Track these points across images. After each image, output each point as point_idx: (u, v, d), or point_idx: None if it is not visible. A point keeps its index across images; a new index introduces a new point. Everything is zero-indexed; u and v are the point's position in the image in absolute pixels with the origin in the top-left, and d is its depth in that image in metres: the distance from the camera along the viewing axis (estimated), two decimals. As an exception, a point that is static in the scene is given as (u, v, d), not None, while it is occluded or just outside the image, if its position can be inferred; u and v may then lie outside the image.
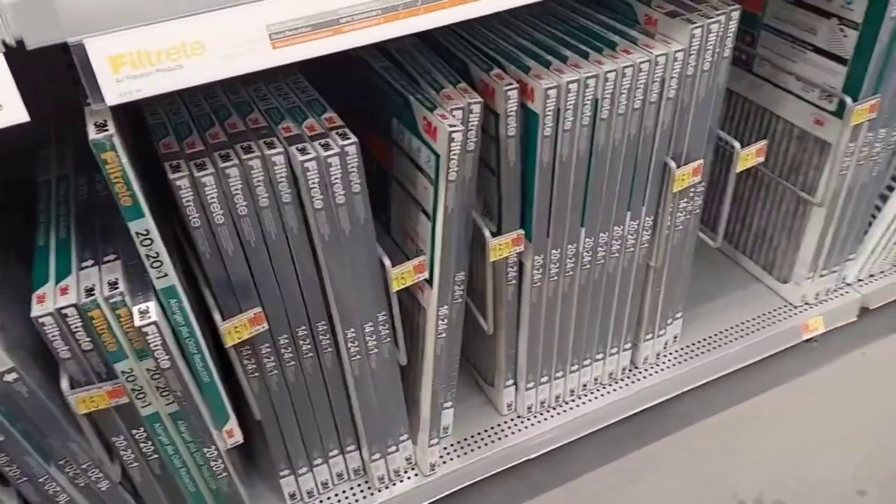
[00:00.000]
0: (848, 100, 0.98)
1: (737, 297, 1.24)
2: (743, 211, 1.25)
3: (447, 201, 0.78)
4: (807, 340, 1.21)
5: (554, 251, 0.92)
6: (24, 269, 0.73)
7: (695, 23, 0.82)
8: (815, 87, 1.04)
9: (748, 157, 0.95)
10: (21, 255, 0.78)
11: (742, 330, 1.19)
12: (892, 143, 1.08)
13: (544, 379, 1.04)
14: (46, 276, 0.71)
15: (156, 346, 0.72)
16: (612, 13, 0.91)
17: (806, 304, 1.22)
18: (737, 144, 0.94)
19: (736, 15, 0.85)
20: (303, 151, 0.70)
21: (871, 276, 1.26)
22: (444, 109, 0.76)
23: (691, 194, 0.98)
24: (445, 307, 0.86)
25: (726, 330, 1.19)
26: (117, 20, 0.54)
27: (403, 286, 0.82)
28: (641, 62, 0.81)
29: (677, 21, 0.83)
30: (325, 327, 0.83)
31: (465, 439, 1.05)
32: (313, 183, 0.71)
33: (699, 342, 1.17)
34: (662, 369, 1.13)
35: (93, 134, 0.60)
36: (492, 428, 1.06)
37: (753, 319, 1.20)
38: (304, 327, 0.82)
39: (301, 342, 0.82)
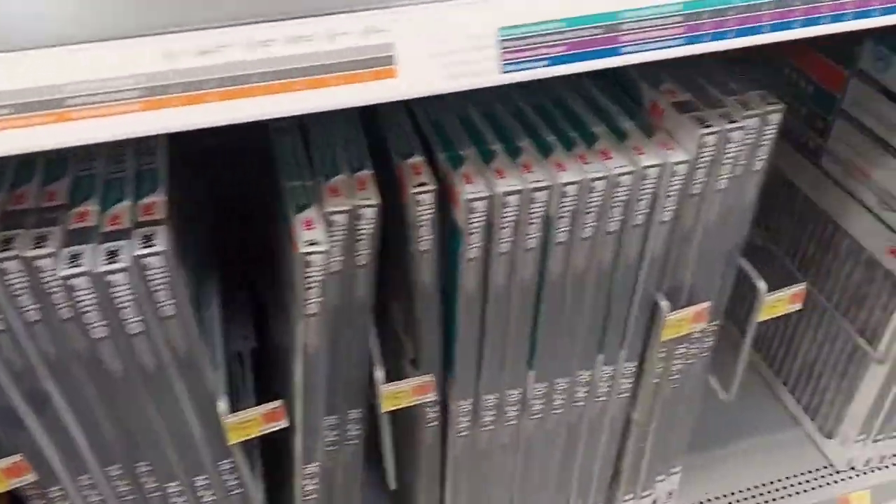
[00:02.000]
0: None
1: (765, 443, 0.97)
2: (790, 332, 0.97)
3: (307, 338, 0.55)
4: (846, 518, 0.93)
5: (488, 396, 0.68)
6: None
7: (710, 125, 0.57)
8: (894, 206, 0.76)
9: (778, 303, 0.68)
10: None
11: (762, 493, 0.92)
12: None
13: (476, 537, 0.80)
14: None
15: None
16: (612, 93, 0.65)
17: (852, 469, 0.94)
18: (762, 286, 0.67)
19: (776, 119, 0.59)
20: (72, 261, 0.48)
21: (945, 441, 0.97)
22: (317, 211, 0.53)
23: (699, 336, 0.72)
24: (315, 464, 0.64)
25: (741, 491, 0.92)
26: None
27: (245, 437, 0.59)
28: (620, 174, 0.56)
29: (687, 119, 0.58)
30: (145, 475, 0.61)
31: None
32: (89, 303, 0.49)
33: (703, 503, 0.91)
34: (646, 534, 0.88)
35: None
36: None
37: (780, 481, 0.93)
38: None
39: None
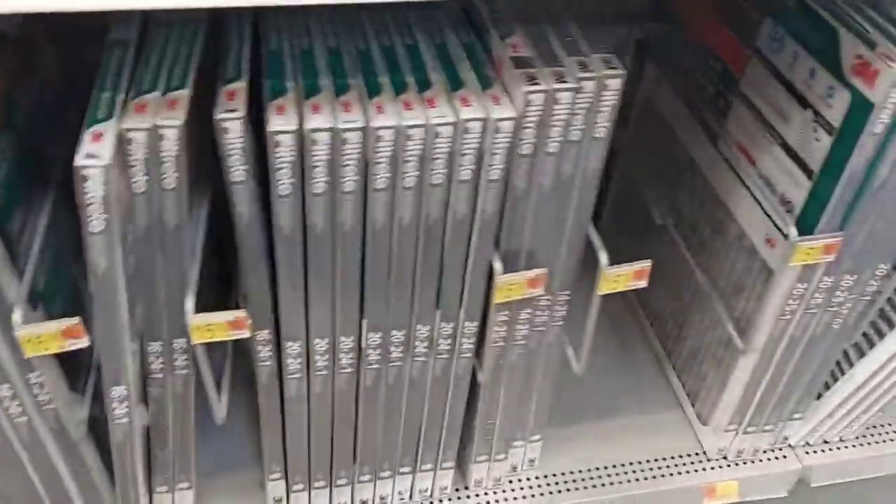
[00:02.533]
0: (792, 230, 0.68)
1: (643, 422, 0.96)
2: (682, 314, 0.95)
3: (93, 257, 0.54)
4: (709, 508, 0.93)
5: (319, 340, 0.67)
6: None
7: (537, 83, 0.55)
8: (774, 194, 0.74)
9: (619, 278, 0.66)
10: None
11: (626, 471, 0.91)
12: (866, 295, 0.77)
13: (319, 483, 0.80)
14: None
15: None
16: (468, 43, 0.63)
17: (724, 458, 0.93)
18: (603, 259, 0.66)
19: (615, 84, 0.57)
20: None
21: (827, 443, 0.95)
22: (114, 126, 0.52)
23: (546, 303, 0.70)
24: (122, 387, 0.63)
25: (607, 468, 0.91)
26: None
27: (44, 352, 0.59)
28: (439, 124, 0.54)
29: (518, 74, 0.56)
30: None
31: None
32: None
33: (565, 474, 0.90)
34: (502, 499, 0.87)
35: None
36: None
37: (648, 462, 0.92)
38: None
39: None
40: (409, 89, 0.57)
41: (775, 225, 0.73)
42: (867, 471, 0.96)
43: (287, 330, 0.66)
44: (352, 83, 0.57)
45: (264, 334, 0.66)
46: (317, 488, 0.80)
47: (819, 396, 0.90)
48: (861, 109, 0.62)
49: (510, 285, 0.64)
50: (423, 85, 0.57)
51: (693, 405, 0.95)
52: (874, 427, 0.97)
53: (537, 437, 0.86)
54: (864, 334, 0.85)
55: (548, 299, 0.70)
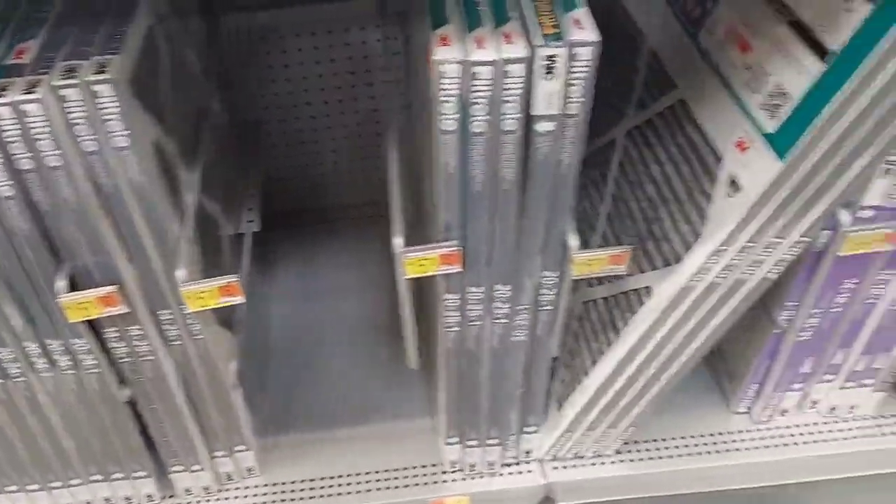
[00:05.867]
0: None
1: (392, 432, 0.93)
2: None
3: None
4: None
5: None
6: None
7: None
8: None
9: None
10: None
11: (353, 482, 0.88)
12: (521, 306, 0.71)
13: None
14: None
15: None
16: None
17: (459, 471, 0.89)
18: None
19: (105, 91, 0.54)
20: None
21: (581, 458, 0.90)
22: None
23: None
24: None
25: (333, 478, 0.89)
26: None
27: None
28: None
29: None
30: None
31: None
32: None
33: (286, 483, 0.88)
34: (211, 505, 0.86)
35: None
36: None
37: (382, 472, 0.89)
38: None
39: None
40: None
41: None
42: (623, 491, 0.90)
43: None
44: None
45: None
46: None
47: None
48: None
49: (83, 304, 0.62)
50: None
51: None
52: (635, 443, 0.91)
53: (242, 447, 0.84)
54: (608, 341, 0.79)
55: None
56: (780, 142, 0.59)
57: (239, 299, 0.63)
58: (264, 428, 0.92)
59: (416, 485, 0.88)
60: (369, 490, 0.87)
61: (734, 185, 0.64)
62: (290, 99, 1.08)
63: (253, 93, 1.05)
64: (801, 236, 0.64)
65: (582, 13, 0.54)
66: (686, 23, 0.74)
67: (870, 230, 0.67)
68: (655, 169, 0.77)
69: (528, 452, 0.88)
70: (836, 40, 0.56)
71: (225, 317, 0.75)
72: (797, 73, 0.58)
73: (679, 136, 0.73)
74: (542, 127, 0.54)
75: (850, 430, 0.90)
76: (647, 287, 0.73)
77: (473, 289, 0.67)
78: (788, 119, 0.59)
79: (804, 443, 0.89)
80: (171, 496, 0.86)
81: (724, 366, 0.94)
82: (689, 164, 0.71)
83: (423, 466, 0.89)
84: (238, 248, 0.86)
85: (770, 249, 0.66)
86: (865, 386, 0.86)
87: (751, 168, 0.62)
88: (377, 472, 0.89)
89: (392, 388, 0.96)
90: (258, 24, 1.00)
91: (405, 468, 0.89)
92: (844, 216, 0.67)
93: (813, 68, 0.57)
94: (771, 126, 0.60)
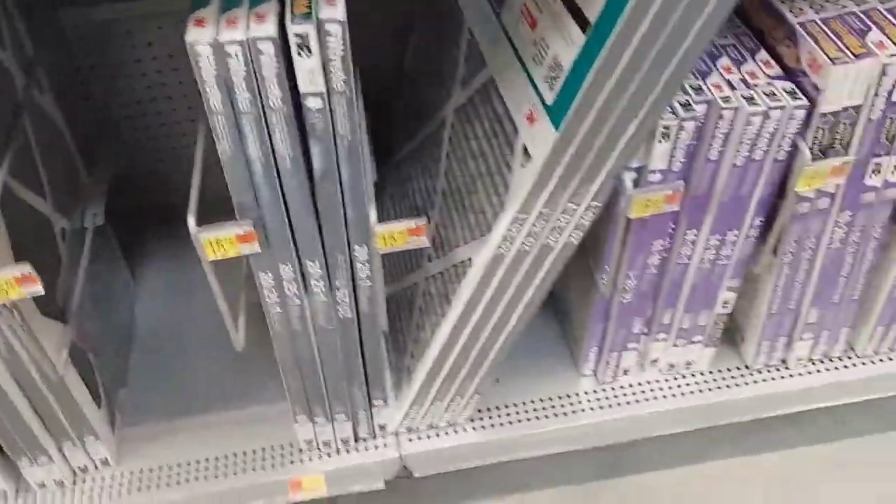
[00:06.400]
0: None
1: (248, 416, 0.94)
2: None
3: None
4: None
5: None
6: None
7: None
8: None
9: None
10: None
11: (209, 467, 0.89)
12: (339, 281, 0.74)
13: None
14: None
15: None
16: None
17: (316, 450, 0.91)
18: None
19: None
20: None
21: (435, 428, 0.93)
22: None
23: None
24: None
25: (190, 463, 0.90)
26: None
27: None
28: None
29: None
30: None
31: None
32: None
33: (143, 471, 0.89)
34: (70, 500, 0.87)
35: None
36: None
37: (239, 456, 0.91)
38: None
39: None
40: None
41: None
42: (481, 457, 0.93)
43: None
44: None
45: None
46: None
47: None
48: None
49: None
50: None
51: (295, 396, 0.93)
52: (488, 410, 0.94)
53: (90, 437, 0.85)
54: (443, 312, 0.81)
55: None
56: (555, 112, 0.62)
57: (38, 289, 0.64)
58: (124, 419, 0.93)
59: (273, 466, 0.90)
60: (226, 474, 0.89)
61: (527, 154, 0.67)
62: (148, 93, 1.08)
63: (106, 88, 1.05)
64: (592, 201, 0.67)
65: (335, -8, 0.56)
66: (493, 2, 0.77)
67: (651, 192, 0.71)
68: (474, 145, 0.79)
69: (382, 427, 0.91)
70: (594, 12, 0.59)
71: (52, 309, 0.75)
72: (567, 45, 0.61)
73: (490, 112, 0.75)
74: (312, 103, 0.56)
75: (687, 385, 0.94)
76: (469, 258, 0.76)
77: (284, 267, 0.68)
78: (561, 90, 0.62)
79: (645, 400, 0.93)
80: (26, 490, 0.87)
81: (571, 331, 0.97)
82: (496, 138, 0.74)
83: (281, 447, 0.91)
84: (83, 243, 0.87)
85: (567, 215, 0.69)
86: (695, 343, 0.90)
87: (536, 139, 0.65)
88: (235, 456, 0.90)
89: (254, 375, 0.98)
90: (101, 19, 1.00)
91: (262, 449, 0.91)
92: (628, 180, 0.71)
93: (578, 40, 0.60)
94: (549, 98, 0.63)
